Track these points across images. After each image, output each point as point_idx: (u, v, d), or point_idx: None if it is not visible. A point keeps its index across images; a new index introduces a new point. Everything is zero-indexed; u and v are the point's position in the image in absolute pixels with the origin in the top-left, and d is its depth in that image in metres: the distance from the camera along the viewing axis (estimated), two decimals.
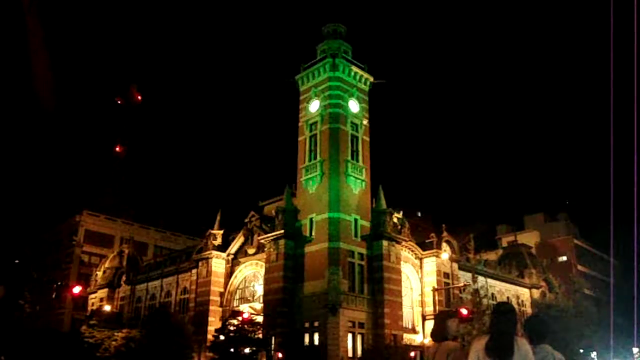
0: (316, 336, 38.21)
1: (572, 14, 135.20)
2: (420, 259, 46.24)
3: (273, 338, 38.39)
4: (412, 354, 38.44)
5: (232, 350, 36.86)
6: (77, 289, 34.54)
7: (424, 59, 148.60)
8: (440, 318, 6.77)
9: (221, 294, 47.24)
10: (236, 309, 43.59)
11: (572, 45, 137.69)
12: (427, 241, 46.62)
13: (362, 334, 39.15)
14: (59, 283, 68.61)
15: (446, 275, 46.17)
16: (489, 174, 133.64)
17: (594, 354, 46.36)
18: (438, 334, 6.51)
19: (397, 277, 41.82)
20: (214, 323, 44.03)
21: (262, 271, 43.57)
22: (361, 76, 45.80)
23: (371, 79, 46.58)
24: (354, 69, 45.26)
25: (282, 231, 41.12)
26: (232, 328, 37.47)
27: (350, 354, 37.91)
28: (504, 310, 5.45)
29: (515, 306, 50.22)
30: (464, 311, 30.98)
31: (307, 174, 43.01)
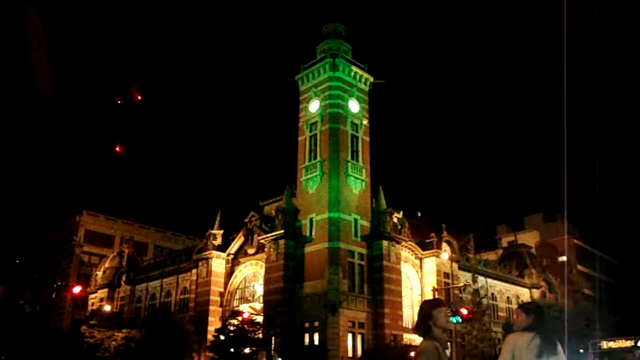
0: (316, 336, 38.21)
1: (573, 14, 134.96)
2: (420, 259, 46.26)
3: (273, 338, 38.38)
4: (412, 354, 38.42)
5: (232, 350, 36.86)
6: (77, 289, 34.62)
7: (423, 59, 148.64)
8: (424, 308, 5.67)
9: (221, 294, 47.24)
10: (236, 309, 43.58)
11: (571, 45, 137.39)
12: (427, 241, 46.64)
13: (362, 334, 39.15)
14: (59, 283, 68.46)
15: (446, 275, 46.19)
16: (488, 174, 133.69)
17: None
18: (422, 327, 5.53)
19: (397, 277, 41.82)
20: (214, 323, 44.02)
21: (262, 271, 43.57)
22: (361, 76, 45.80)
23: (371, 79, 46.57)
24: (354, 69, 45.26)
25: (282, 231, 41.12)
26: (232, 328, 37.46)
27: (350, 354, 37.90)
28: (553, 316, 5.83)
29: (515, 306, 50.07)
30: (464, 311, 31.01)
31: (307, 174, 43.00)
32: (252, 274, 46.55)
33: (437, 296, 42.75)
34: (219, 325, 41.04)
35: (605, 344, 25.15)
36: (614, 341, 25.43)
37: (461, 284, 42.97)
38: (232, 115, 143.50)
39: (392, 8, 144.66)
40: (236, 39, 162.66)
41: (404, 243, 43.50)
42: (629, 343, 24.55)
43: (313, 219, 41.34)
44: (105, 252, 69.82)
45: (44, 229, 74.01)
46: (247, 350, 37.25)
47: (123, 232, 73.11)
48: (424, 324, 5.51)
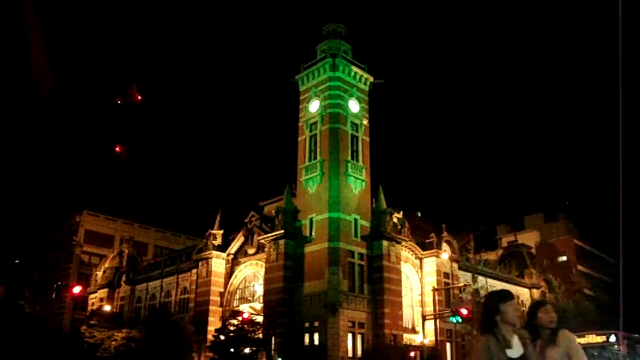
0: (316, 336, 38.20)
1: (569, 15, 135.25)
2: (420, 259, 46.24)
3: (273, 338, 38.38)
4: (412, 354, 38.43)
5: (232, 350, 36.86)
6: (77, 289, 34.60)
7: (423, 59, 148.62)
8: (491, 301, 5.14)
9: (221, 294, 47.23)
10: (236, 309, 43.58)
11: (570, 46, 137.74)
12: (427, 241, 46.62)
13: (362, 334, 39.13)
14: (59, 283, 68.67)
15: (446, 275, 46.17)
16: (488, 174, 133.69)
17: None
18: (485, 322, 5.07)
19: (397, 277, 41.81)
20: (214, 323, 44.01)
21: (262, 271, 43.57)
22: (361, 76, 45.79)
23: (371, 79, 46.56)
24: (354, 69, 45.25)
25: (282, 231, 41.11)
26: (232, 328, 37.46)
27: (350, 354, 37.89)
28: None
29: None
30: (464, 311, 31.03)
31: (307, 174, 43.00)
32: (252, 274, 46.54)
33: (436, 296, 42.76)
34: (219, 325, 41.04)
35: None
36: (583, 336, 22.33)
37: (461, 284, 42.93)
38: (232, 115, 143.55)
39: (392, 8, 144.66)
40: (236, 39, 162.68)
41: (404, 243, 43.48)
42: (599, 339, 21.93)
43: (313, 219, 41.33)
44: (105, 252, 69.85)
45: (44, 229, 74.22)
46: (247, 350, 37.24)
47: (123, 232, 73.13)
48: (488, 319, 5.00)
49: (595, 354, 22.04)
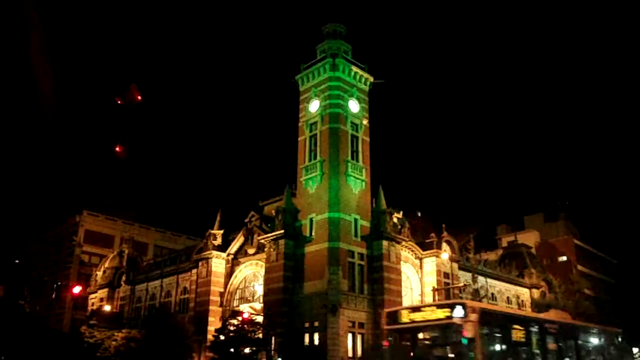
0: (316, 336, 38.20)
1: (571, 15, 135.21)
2: (420, 259, 46.26)
3: (273, 338, 38.37)
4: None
5: (232, 350, 36.86)
6: (77, 289, 34.71)
7: (424, 59, 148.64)
8: None
9: (221, 294, 47.25)
10: (236, 309, 43.59)
11: (571, 46, 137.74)
12: (427, 241, 46.65)
13: (362, 334, 39.13)
14: (59, 283, 68.72)
15: (446, 275, 46.20)
16: (488, 174, 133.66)
17: None
18: None
19: (397, 277, 41.81)
20: (214, 323, 44.04)
21: (262, 271, 43.57)
22: (361, 76, 45.78)
23: (371, 79, 46.54)
24: (354, 69, 45.24)
25: (282, 231, 41.12)
26: (232, 328, 37.47)
27: (350, 354, 37.89)
28: None
29: (515, 306, 50.10)
30: None
31: (307, 174, 43.00)
32: (252, 274, 46.55)
33: (436, 296, 42.73)
34: (219, 325, 41.05)
35: (405, 315, 17.71)
36: (420, 310, 17.53)
37: (461, 284, 42.95)
38: (232, 115, 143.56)
39: (392, 8, 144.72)
40: (236, 39, 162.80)
41: (404, 243, 43.48)
42: (441, 313, 15.98)
43: (313, 219, 41.33)
44: (105, 252, 69.87)
45: (44, 229, 74.23)
46: (247, 350, 37.24)
47: (123, 232, 73.14)
48: None
49: (435, 336, 16.07)
